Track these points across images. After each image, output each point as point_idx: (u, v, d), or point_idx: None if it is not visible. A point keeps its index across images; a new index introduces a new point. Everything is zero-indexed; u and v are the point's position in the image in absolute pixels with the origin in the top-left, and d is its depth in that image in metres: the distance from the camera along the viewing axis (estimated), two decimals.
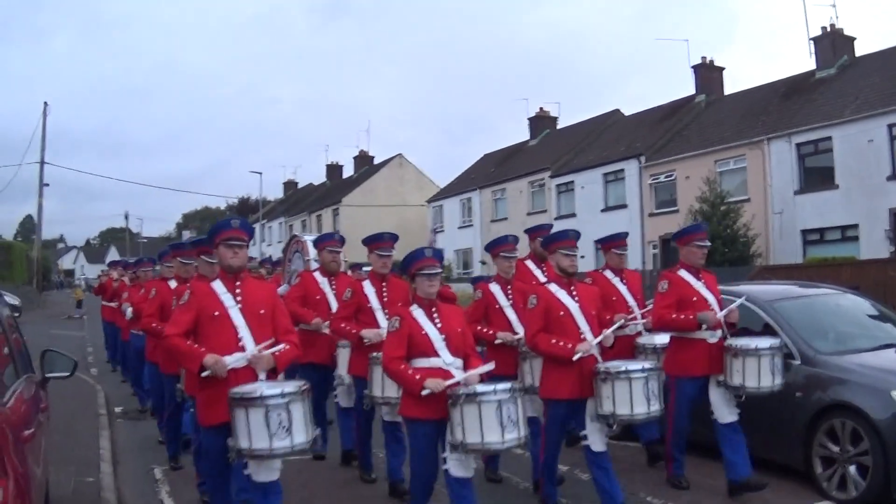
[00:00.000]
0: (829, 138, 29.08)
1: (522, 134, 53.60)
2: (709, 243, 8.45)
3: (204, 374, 5.78)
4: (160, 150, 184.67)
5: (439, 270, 6.54)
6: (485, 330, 8.34)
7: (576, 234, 7.53)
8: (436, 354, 6.32)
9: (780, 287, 10.57)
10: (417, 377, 6.13)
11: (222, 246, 6.15)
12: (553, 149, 47.21)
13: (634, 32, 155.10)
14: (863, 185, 27.47)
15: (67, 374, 6.53)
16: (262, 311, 6.12)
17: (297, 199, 77.46)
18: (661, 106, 42.94)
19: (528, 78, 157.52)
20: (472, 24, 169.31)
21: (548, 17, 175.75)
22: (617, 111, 48.20)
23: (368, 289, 8.44)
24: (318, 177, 78.84)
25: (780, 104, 33.53)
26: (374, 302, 8.37)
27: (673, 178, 35.61)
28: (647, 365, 7.09)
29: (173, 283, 9.39)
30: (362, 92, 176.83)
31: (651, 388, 6.91)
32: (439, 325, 6.41)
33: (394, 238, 8.58)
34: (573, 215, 40.93)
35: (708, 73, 40.30)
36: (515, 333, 8.26)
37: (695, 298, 7.93)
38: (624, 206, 38.28)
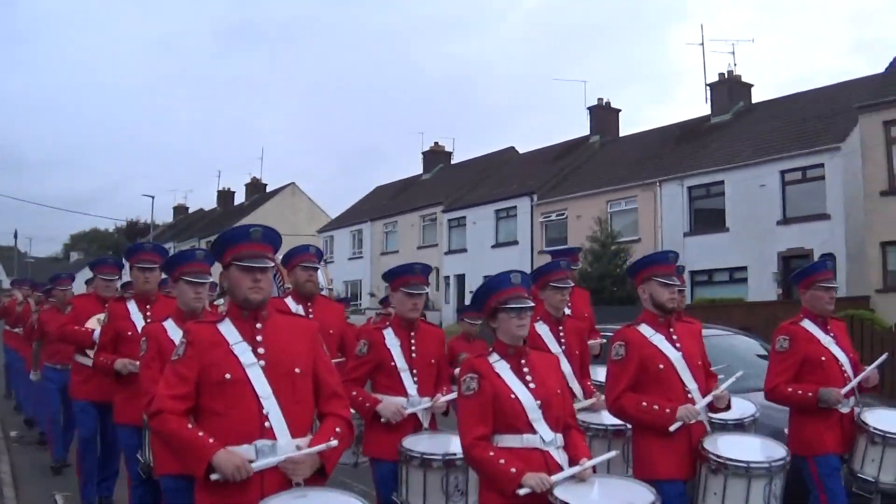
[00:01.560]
0: (722, 182, 29.41)
1: (416, 168, 53.11)
2: (836, 284, 6.59)
3: (213, 477, 3.75)
4: (53, 169, 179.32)
5: (531, 305, 4.67)
6: None
7: (675, 257, 5.68)
8: (530, 430, 4.45)
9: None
10: (512, 469, 4.25)
11: (236, 270, 4.08)
12: (446, 183, 46.76)
13: (533, 71, 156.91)
14: (753, 228, 27.62)
15: None
16: (297, 370, 4.06)
17: (188, 224, 75.67)
18: (556, 145, 43.04)
19: (425, 112, 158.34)
20: (371, 55, 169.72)
21: (447, 52, 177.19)
22: (511, 148, 48.07)
23: (391, 340, 5.96)
24: (210, 202, 77.39)
25: (675, 147, 33.71)
26: (400, 360, 5.91)
27: (564, 216, 35.41)
28: (775, 456, 5.16)
29: (133, 306, 6.94)
30: (259, 119, 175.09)
31: (774, 489, 5.09)
32: (533, 387, 4.53)
33: (426, 271, 6.26)
34: (464, 250, 40.69)
35: (604, 115, 40.50)
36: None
37: (823, 358, 6.14)
38: (515, 243, 37.95)
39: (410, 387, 5.83)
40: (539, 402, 4.47)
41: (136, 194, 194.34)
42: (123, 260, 7.55)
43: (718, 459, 4.99)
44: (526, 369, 4.58)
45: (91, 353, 7.26)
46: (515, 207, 38.49)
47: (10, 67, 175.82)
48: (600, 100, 40.63)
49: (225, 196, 72.47)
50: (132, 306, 6.76)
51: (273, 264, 4.23)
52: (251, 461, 3.75)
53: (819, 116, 28.26)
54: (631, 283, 6.45)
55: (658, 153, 34.00)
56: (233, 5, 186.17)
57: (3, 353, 16.23)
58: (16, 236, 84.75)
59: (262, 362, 3.94)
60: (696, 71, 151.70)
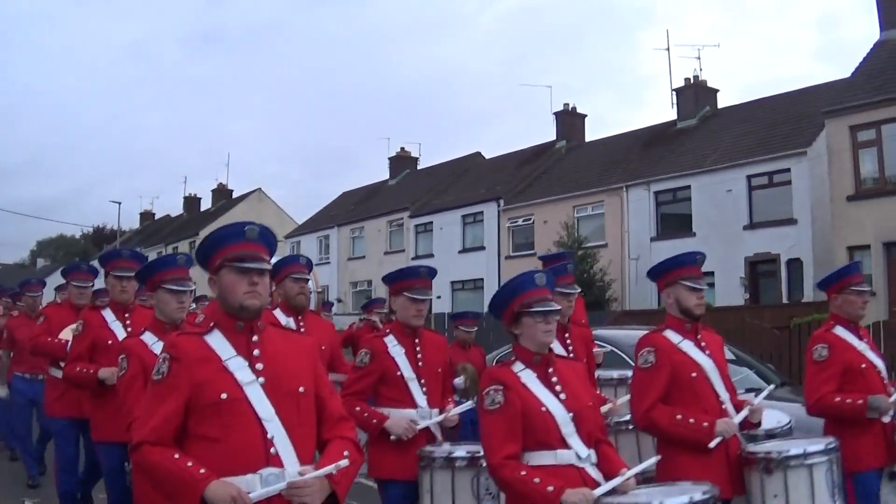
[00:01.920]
0: (688, 187, 29.42)
1: (383, 173, 52.86)
2: (868, 287, 6.22)
3: None
4: (19, 174, 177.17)
5: (558, 308, 4.31)
6: None
7: (702, 259, 5.27)
8: (563, 445, 4.02)
9: (643, 332, 9.81)
10: (549, 488, 3.81)
11: (229, 272, 3.58)
12: (413, 189, 46.53)
13: (499, 77, 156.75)
14: (719, 233, 27.59)
15: None
16: (301, 389, 3.55)
17: (154, 230, 75.17)
18: (522, 150, 42.84)
19: (391, 117, 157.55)
20: (337, 60, 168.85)
21: (413, 57, 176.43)
22: (478, 154, 47.96)
23: (395, 348, 5.49)
24: (176, 208, 76.91)
25: (641, 152, 33.67)
26: (407, 369, 5.45)
27: (531, 221, 35.31)
28: (829, 444, 4.76)
29: (110, 314, 6.53)
30: (225, 124, 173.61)
31: (835, 476, 4.71)
32: (564, 397, 4.10)
33: (432, 274, 5.80)
34: (431, 255, 40.19)
35: (570, 120, 40.41)
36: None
37: (863, 366, 5.67)
38: (482, 248, 37.78)
39: (420, 397, 5.41)
40: (572, 414, 4.06)
41: (102, 200, 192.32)
42: (97, 266, 7.38)
43: (772, 456, 4.60)
44: (554, 378, 4.16)
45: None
46: (482, 213, 38.32)
47: None
48: (566, 105, 40.54)
49: (191, 202, 71.92)
50: (108, 314, 6.42)
51: (270, 267, 3.74)
52: (250, 492, 3.24)
53: (785, 121, 28.30)
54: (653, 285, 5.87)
55: (624, 158, 33.96)
56: (200, 10, 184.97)
57: None
58: None
59: (262, 379, 3.41)
60: (663, 76, 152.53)
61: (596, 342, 7.66)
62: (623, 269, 30.83)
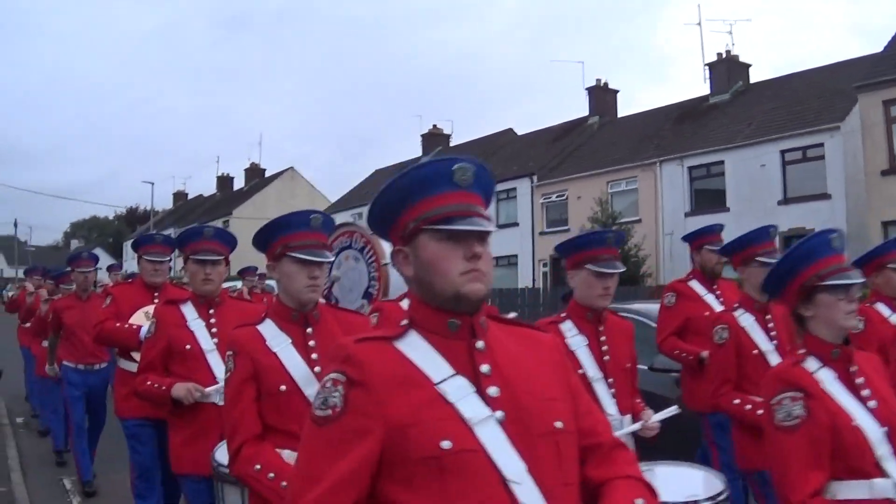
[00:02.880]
0: (722, 162, 29.41)
1: (415, 151, 52.86)
2: None
3: None
4: (52, 158, 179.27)
5: (860, 280, 3.27)
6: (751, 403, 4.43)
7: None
8: (879, 472, 2.94)
9: None
10: None
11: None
12: None
13: (530, 54, 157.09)
14: (753, 208, 27.45)
15: None
16: (558, 425, 2.45)
17: (187, 211, 75.32)
18: (555, 126, 42.85)
19: (423, 95, 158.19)
20: (369, 40, 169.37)
21: (445, 37, 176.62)
22: (510, 130, 47.86)
23: (575, 339, 4.21)
24: (209, 188, 77.27)
25: (674, 128, 33.65)
26: (592, 367, 4.16)
27: (565, 197, 35.36)
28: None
29: (190, 310, 5.01)
30: (257, 105, 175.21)
31: None
32: (874, 405, 3.04)
33: (620, 240, 4.71)
34: None
35: (602, 96, 40.37)
36: None
37: None
38: (516, 224, 37.77)
39: (609, 404, 4.12)
40: (886, 428, 2.98)
41: (135, 182, 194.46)
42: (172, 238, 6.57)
43: None
44: (860, 380, 3.11)
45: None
46: (515, 189, 38.33)
47: (7, 59, 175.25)
48: (598, 80, 40.42)
49: (224, 181, 72.20)
50: (189, 310, 4.85)
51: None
52: None
53: (818, 96, 28.27)
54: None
55: (657, 133, 33.95)
56: None
57: (22, 356, 13.42)
58: (16, 225, 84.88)
59: (500, 413, 2.24)
60: (693, 51, 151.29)
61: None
62: (657, 244, 30.88)
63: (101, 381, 8.47)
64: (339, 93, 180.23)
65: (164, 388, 4.52)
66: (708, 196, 30.26)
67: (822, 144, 26.36)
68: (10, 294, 18.38)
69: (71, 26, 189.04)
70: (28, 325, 12.19)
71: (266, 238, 3.60)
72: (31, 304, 12.08)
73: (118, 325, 6.08)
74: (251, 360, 3.34)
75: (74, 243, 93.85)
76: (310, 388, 3.26)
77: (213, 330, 4.72)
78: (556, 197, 36.01)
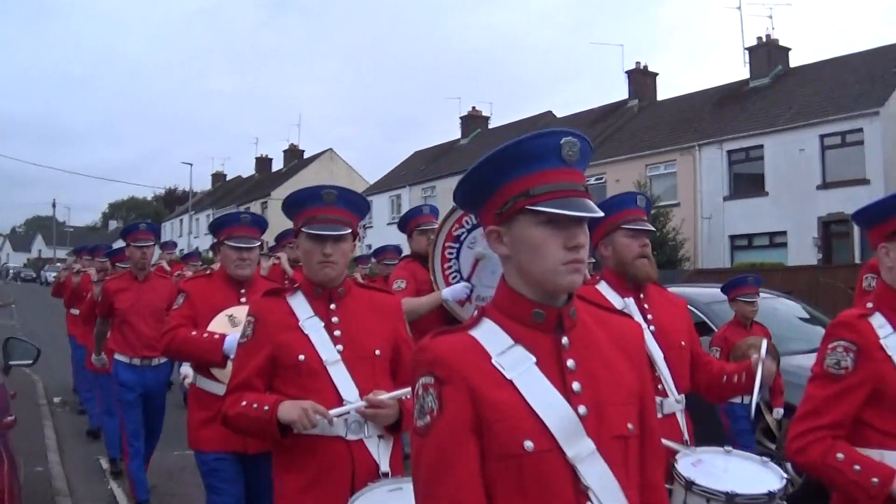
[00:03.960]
0: (761, 146, 29.44)
1: (454, 133, 53.25)
2: None
3: None
4: (92, 139, 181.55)
5: None
6: None
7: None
8: None
9: (717, 290, 10.28)
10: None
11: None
12: (484, 148, 45.76)
13: (570, 37, 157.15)
14: (792, 193, 27.76)
15: (31, 361, 6.00)
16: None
17: (226, 192, 75.98)
18: (594, 109, 42.94)
19: (462, 78, 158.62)
20: (410, 23, 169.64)
21: (484, 21, 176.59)
22: (549, 113, 47.82)
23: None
24: (248, 169, 78.07)
25: (713, 111, 33.68)
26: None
27: (603, 180, 35.31)
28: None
29: (303, 303, 3.56)
30: (297, 87, 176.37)
31: None
32: None
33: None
34: None
35: (641, 79, 40.36)
36: None
37: None
38: None
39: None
40: None
41: (173, 162, 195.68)
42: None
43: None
44: None
45: (222, 375, 4.36)
46: None
47: (49, 42, 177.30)
48: (637, 63, 40.42)
49: (263, 163, 72.74)
50: (300, 303, 3.44)
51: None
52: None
53: (858, 81, 28.30)
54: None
55: (696, 117, 33.99)
56: None
57: (70, 345, 11.82)
58: (54, 206, 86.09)
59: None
60: (733, 35, 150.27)
61: None
62: (696, 228, 30.95)
63: (161, 380, 7.38)
64: (379, 75, 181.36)
65: (266, 408, 3.21)
66: (747, 180, 30.32)
67: (861, 129, 26.42)
68: (56, 276, 16.15)
69: (115, 6, 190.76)
70: (77, 311, 10.63)
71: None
72: (79, 284, 10.86)
73: (194, 333, 4.59)
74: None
75: (112, 224, 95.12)
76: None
77: (337, 333, 3.38)
78: (595, 180, 35.89)
